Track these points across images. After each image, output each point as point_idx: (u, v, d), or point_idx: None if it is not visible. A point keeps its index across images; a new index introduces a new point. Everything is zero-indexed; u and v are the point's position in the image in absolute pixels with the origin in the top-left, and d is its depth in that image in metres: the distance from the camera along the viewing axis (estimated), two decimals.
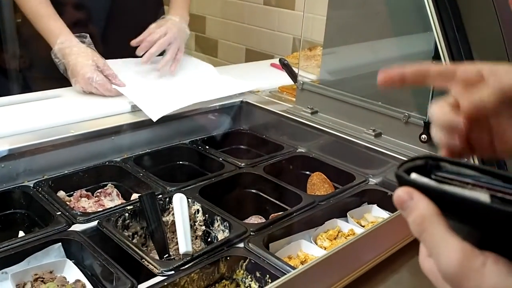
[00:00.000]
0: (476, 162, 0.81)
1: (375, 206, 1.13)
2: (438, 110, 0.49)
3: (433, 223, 0.39)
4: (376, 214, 1.11)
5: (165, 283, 0.78)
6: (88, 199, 1.10)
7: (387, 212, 1.10)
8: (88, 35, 1.44)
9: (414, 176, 0.41)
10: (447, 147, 0.50)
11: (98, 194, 1.12)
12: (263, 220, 1.10)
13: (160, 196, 1.03)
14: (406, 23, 1.19)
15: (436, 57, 1.06)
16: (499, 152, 0.51)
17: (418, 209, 0.40)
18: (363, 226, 1.07)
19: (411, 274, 0.82)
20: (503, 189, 0.38)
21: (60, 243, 0.87)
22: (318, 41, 1.85)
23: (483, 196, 0.37)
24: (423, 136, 1.14)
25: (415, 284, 0.80)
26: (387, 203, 1.11)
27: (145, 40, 1.51)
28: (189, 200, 1.03)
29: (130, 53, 1.53)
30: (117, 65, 1.47)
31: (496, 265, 0.36)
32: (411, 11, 1.17)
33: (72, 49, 1.39)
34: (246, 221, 1.10)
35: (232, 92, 1.48)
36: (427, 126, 1.13)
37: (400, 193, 0.41)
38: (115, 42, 1.56)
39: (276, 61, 1.93)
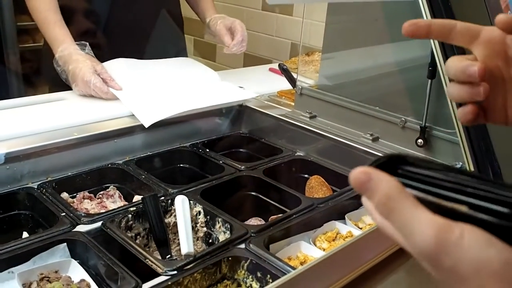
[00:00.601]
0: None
1: None
2: (455, 59, 0.49)
3: (399, 201, 0.36)
4: None
5: (169, 283, 0.80)
6: (91, 201, 1.11)
7: None
8: (87, 44, 1.47)
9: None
10: (461, 108, 0.49)
11: (100, 196, 1.14)
12: (263, 222, 1.12)
13: (163, 198, 1.05)
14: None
15: (432, 62, 1.08)
16: (510, 118, 0.51)
17: (380, 188, 0.36)
18: (361, 228, 1.09)
19: (408, 274, 0.84)
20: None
21: (65, 243, 0.88)
22: (316, 47, 1.88)
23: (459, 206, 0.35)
24: (420, 140, 1.17)
25: (412, 284, 0.83)
26: None
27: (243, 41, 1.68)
28: (191, 202, 1.05)
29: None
30: (120, 66, 1.49)
31: (475, 236, 0.33)
32: (408, 17, 1.19)
33: (71, 56, 1.42)
34: (246, 223, 1.12)
35: (231, 100, 1.50)
36: (423, 130, 1.16)
37: (357, 175, 0.37)
38: (119, 47, 1.59)
39: (274, 66, 1.96)
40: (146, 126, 1.26)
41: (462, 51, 1.02)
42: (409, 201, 0.36)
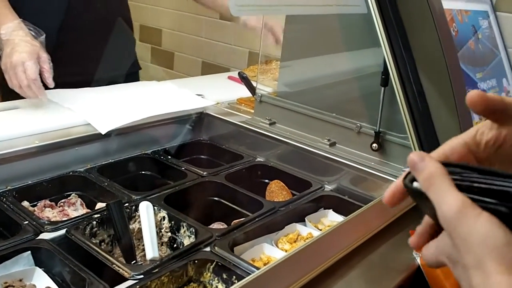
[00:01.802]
0: None
1: (331, 211, 1.19)
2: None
3: (440, 179, 0.44)
4: (332, 218, 1.18)
5: (137, 287, 0.81)
6: (52, 209, 1.11)
7: (342, 216, 1.17)
8: (44, 34, 1.39)
9: (415, 184, 0.46)
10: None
11: (62, 204, 1.14)
12: (226, 226, 1.14)
13: (127, 204, 1.06)
14: (357, 38, 1.27)
15: (385, 71, 1.14)
16: None
17: (428, 168, 0.45)
18: (321, 230, 1.13)
19: (367, 269, 0.88)
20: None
21: (29, 252, 0.88)
22: (273, 56, 1.92)
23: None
24: (374, 144, 1.22)
25: (371, 278, 0.87)
26: (342, 208, 1.18)
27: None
28: (155, 207, 1.06)
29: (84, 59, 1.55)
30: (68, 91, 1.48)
31: (490, 218, 0.40)
32: (362, 27, 1.24)
33: (15, 40, 1.32)
34: (209, 227, 1.14)
35: (189, 107, 1.51)
36: (377, 135, 1.21)
37: (413, 156, 0.46)
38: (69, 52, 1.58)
39: (233, 74, 2.00)
40: (103, 133, 1.25)
41: (412, 60, 1.08)
42: (447, 182, 0.44)
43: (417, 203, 0.48)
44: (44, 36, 1.39)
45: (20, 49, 1.31)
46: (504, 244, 0.40)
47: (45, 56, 1.34)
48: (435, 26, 0.99)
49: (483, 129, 0.52)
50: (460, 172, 0.45)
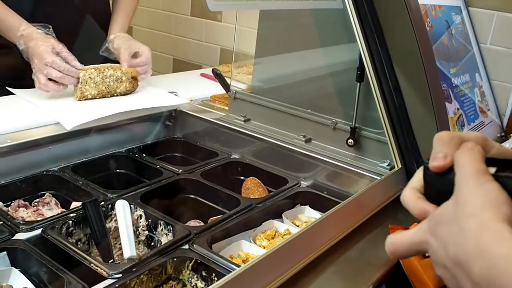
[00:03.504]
0: None
1: (307, 207, 1.20)
2: (410, 195, 0.57)
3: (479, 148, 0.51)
4: (309, 214, 1.19)
5: (116, 285, 0.80)
6: (26, 209, 1.09)
7: (319, 212, 1.18)
8: (50, 26, 1.48)
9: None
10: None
11: (36, 203, 1.12)
12: (202, 224, 1.14)
13: (103, 203, 1.05)
14: (333, 34, 1.28)
15: (361, 66, 1.15)
16: None
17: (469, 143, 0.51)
18: (298, 226, 1.13)
19: (347, 265, 0.89)
20: None
21: (5, 252, 0.87)
22: (246, 52, 1.92)
23: None
24: (350, 140, 1.23)
25: (351, 274, 0.88)
26: (318, 204, 1.19)
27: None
28: (132, 206, 1.05)
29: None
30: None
31: (499, 185, 0.47)
32: (337, 23, 1.25)
33: (32, 35, 1.43)
34: (186, 225, 1.13)
35: (160, 105, 1.49)
36: (353, 131, 1.22)
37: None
38: None
39: (205, 71, 1.99)
40: (68, 129, 1.23)
41: (387, 56, 1.09)
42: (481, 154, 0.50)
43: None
44: (51, 28, 1.48)
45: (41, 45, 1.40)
46: (504, 202, 0.45)
47: (60, 46, 1.43)
48: (410, 22, 1.01)
49: None
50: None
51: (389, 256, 0.56)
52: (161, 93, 1.60)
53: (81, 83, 1.41)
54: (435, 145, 0.54)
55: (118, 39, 1.64)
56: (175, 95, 1.60)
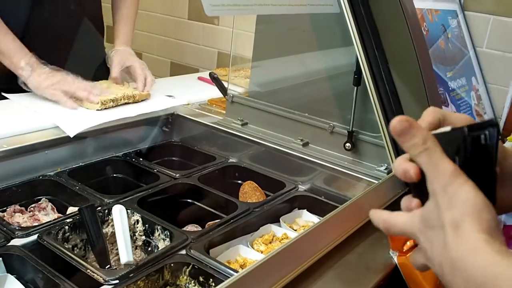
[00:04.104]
0: None
1: (305, 211, 1.20)
2: (400, 160, 0.56)
3: (435, 144, 0.49)
4: (307, 219, 1.18)
5: None
6: (22, 214, 1.08)
7: (317, 216, 1.18)
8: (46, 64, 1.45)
9: None
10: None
11: (32, 209, 1.11)
12: (199, 228, 1.14)
13: (99, 208, 1.04)
14: (330, 38, 1.28)
15: (358, 70, 1.15)
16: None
17: (421, 133, 0.49)
18: (295, 230, 1.13)
19: (345, 270, 0.88)
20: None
21: (0, 258, 0.86)
22: (243, 55, 1.92)
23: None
24: (347, 144, 1.23)
25: (350, 279, 0.87)
26: (316, 208, 1.19)
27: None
28: (128, 211, 1.05)
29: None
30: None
31: (474, 186, 0.47)
32: (333, 27, 1.25)
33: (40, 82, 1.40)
34: (183, 230, 1.13)
35: (158, 108, 1.49)
36: (350, 135, 1.22)
37: (399, 120, 0.50)
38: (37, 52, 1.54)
39: (202, 74, 1.98)
40: (72, 136, 1.23)
41: (384, 60, 1.09)
42: (439, 148, 0.50)
43: None
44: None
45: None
46: (482, 208, 0.46)
47: (67, 87, 1.41)
48: (407, 26, 1.01)
49: None
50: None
51: (382, 229, 0.59)
52: (158, 96, 1.59)
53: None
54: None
55: (116, 53, 1.65)
56: (172, 98, 1.60)
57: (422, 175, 0.52)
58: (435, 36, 1.42)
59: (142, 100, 1.53)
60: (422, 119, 0.56)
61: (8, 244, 0.90)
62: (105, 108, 1.41)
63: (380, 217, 0.59)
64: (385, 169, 1.17)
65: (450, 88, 1.43)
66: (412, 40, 1.02)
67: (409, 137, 0.49)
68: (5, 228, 0.94)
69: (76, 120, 1.30)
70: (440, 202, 0.48)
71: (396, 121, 0.50)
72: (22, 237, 0.92)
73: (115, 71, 1.59)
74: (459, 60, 1.53)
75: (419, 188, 0.53)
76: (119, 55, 1.64)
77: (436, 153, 0.49)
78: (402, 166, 0.54)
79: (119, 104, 1.45)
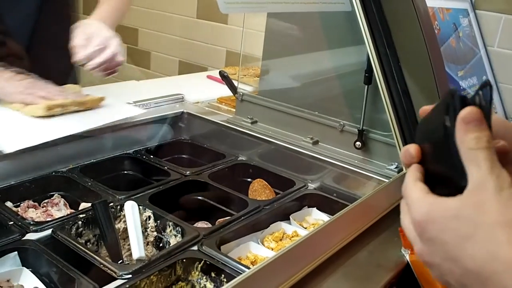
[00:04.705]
0: None
1: (314, 209, 1.20)
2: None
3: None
4: (316, 217, 1.19)
5: (127, 286, 0.81)
6: (36, 210, 1.09)
7: (326, 214, 1.18)
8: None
9: None
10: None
11: (45, 204, 1.12)
12: (210, 225, 1.14)
13: (111, 204, 1.05)
14: (341, 36, 1.28)
15: (369, 68, 1.15)
16: None
17: (488, 130, 0.47)
18: (305, 228, 1.14)
19: (357, 267, 0.89)
20: None
21: (16, 252, 0.87)
22: (252, 54, 1.93)
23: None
24: (358, 143, 1.23)
25: (361, 276, 0.88)
26: (326, 206, 1.19)
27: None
28: (140, 207, 1.06)
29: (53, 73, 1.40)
30: None
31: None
32: (345, 25, 1.25)
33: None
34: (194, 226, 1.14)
35: (111, 120, 1.29)
36: (361, 134, 1.23)
37: (475, 108, 0.47)
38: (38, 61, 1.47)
39: (211, 73, 1.99)
40: (7, 152, 1.09)
41: (396, 58, 1.09)
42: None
43: None
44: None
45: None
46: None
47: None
48: (419, 24, 1.01)
49: None
50: None
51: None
52: (116, 104, 1.39)
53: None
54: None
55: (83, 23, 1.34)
56: (182, 97, 1.61)
57: (440, 163, 0.51)
58: (446, 35, 1.43)
59: (96, 108, 1.32)
60: None
61: (23, 238, 0.91)
62: (52, 116, 1.22)
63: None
64: (396, 167, 1.17)
65: (461, 88, 1.43)
66: (424, 38, 1.02)
67: (478, 128, 0.47)
68: (20, 223, 0.95)
69: (19, 134, 1.17)
70: (491, 201, 0.45)
71: (471, 108, 0.47)
72: (36, 231, 0.93)
73: (77, 40, 1.25)
74: (470, 59, 1.53)
75: (436, 177, 0.51)
76: (86, 26, 1.31)
77: (495, 155, 0.47)
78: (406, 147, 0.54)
79: (68, 111, 1.25)
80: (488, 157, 0.46)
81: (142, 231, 1.03)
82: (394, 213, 1.04)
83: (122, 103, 1.43)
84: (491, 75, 1.65)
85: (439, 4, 1.43)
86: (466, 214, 0.46)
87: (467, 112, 0.47)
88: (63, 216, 1.01)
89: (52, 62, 1.49)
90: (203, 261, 0.91)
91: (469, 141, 0.47)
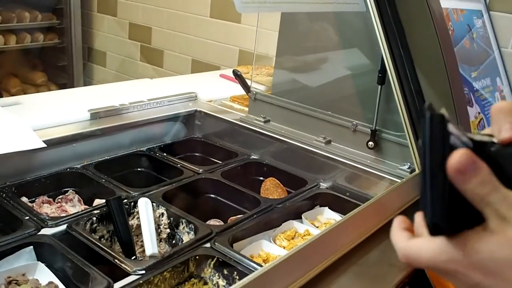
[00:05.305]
0: None
1: (326, 208, 1.21)
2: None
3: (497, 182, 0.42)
4: (328, 216, 1.19)
5: (140, 281, 0.82)
6: (50, 205, 1.11)
7: (338, 213, 1.18)
8: None
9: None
10: None
11: (59, 200, 1.14)
12: (222, 223, 1.15)
13: (125, 200, 1.06)
14: (354, 36, 1.28)
15: (383, 69, 1.15)
16: None
17: (485, 168, 0.41)
18: (317, 227, 1.14)
19: (369, 267, 0.89)
20: None
21: (31, 247, 0.88)
22: (265, 54, 1.93)
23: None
24: (370, 143, 1.23)
25: (374, 275, 0.88)
26: (338, 206, 1.19)
27: None
28: (154, 204, 1.07)
29: None
30: None
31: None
32: (359, 25, 1.26)
33: None
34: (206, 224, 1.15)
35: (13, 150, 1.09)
36: (373, 134, 1.23)
37: (460, 154, 0.41)
38: None
39: (224, 71, 2.00)
40: None
41: (410, 59, 1.09)
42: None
43: None
44: None
45: None
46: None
47: None
48: (433, 25, 1.01)
49: None
50: None
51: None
52: (24, 131, 1.17)
53: None
54: (496, 117, 0.46)
55: None
56: (195, 95, 1.61)
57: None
58: (460, 36, 1.42)
59: None
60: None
61: (39, 233, 0.92)
62: None
63: (400, 251, 0.50)
64: (408, 168, 1.17)
65: (475, 89, 1.42)
66: (438, 39, 1.02)
67: (477, 173, 0.42)
68: (35, 218, 0.96)
69: None
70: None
71: (459, 155, 0.41)
72: (52, 226, 0.95)
73: None
74: (484, 61, 1.53)
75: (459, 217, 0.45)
76: None
77: (503, 188, 0.42)
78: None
79: None
80: (500, 197, 0.42)
81: (155, 228, 1.04)
82: (406, 214, 1.04)
83: (189, 88, 1.48)
84: (505, 77, 1.64)
85: (453, 5, 1.43)
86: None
87: (456, 161, 0.41)
88: (78, 212, 1.02)
89: None
90: (215, 258, 0.92)
91: (474, 189, 0.42)
